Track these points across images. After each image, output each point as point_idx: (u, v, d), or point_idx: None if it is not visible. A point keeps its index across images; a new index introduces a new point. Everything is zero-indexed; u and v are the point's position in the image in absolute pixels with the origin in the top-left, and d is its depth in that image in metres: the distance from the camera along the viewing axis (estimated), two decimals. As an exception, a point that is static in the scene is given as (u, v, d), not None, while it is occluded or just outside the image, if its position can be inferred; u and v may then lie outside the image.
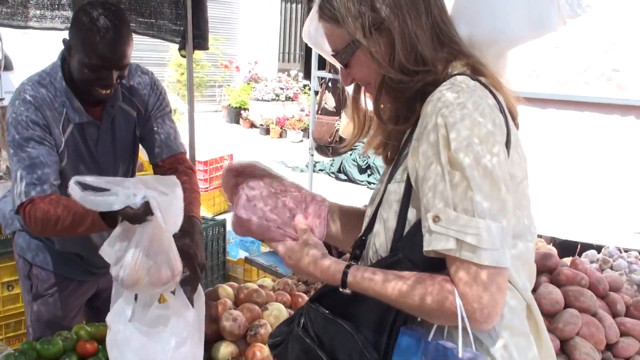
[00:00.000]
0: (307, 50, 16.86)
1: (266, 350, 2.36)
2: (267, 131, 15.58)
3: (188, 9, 3.98)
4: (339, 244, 1.85)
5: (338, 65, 1.59)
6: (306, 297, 2.77)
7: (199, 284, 2.18)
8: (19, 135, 2.34)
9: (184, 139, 4.96)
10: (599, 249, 3.96)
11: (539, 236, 4.43)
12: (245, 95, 16.86)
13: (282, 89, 16.42)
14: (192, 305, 2.07)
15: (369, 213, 1.61)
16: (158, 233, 1.93)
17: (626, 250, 3.83)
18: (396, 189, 1.48)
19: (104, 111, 2.53)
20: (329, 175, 11.19)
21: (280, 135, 15.27)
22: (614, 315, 2.85)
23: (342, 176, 10.91)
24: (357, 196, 8.91)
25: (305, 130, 14.34)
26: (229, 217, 2.22)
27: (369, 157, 10.28)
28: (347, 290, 1.44)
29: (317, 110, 6.06)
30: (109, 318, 2.00)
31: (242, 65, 17.90)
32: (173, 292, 2.03)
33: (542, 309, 2.65)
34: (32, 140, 2.34)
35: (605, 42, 4.46)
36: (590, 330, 2.62)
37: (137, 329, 1.97)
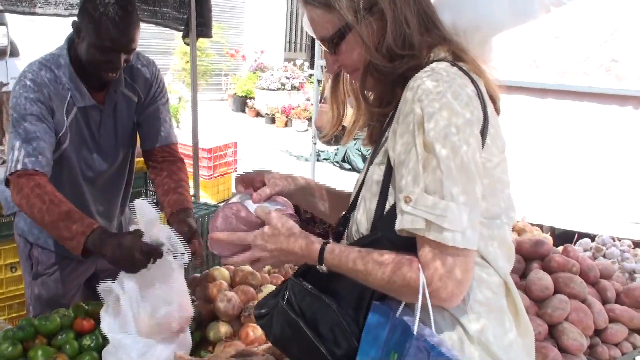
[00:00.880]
0: (313, 40, 16.83)
1: (259, 330, 2.40)
2: (272, 120, 15.64)
3: (191, -3, 4.00)
4: (327, 219, 1.90)
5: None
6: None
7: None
8: (17, 114, 2.38)
9: (188, 126, 5.01)
10: (594, 238, 4.00)
11: (540, 226, 4.48)
12: (251, 84, 16.92)
13: (287, 78, 16.46)
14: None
15: (353, 193, 1.66)
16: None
17: (620, 240, 3.86)
18: (377, 171, 1.53)
19: (107, 96, 2.58)
20: (333, 164, 11.23)
21: (286, 125, 15.33)
22: (604, 302, 2.89)
23: (347, 165, 10.95)
24: (360, 185, 8.92)
25: (310, 119, 14.36)
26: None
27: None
28: (324, 268, 1.49)
29: (320, 99, 6.09)
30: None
31: (248, 54, 17.94)
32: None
33: (531, 295, 2.70)
34: (31, 116, 2.37)
35: (605, 32, 4.49)
36: (579, 316, 2.67)
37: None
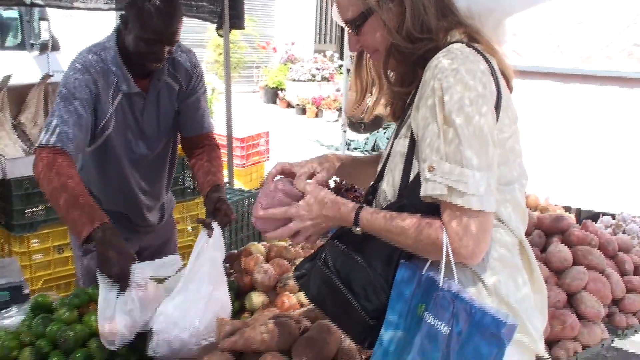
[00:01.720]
0: (343, 31, 16.95)
1: (294, 298, 2.58)
2: (303, 111, 15.83)
3: (225, -10, 4.17)
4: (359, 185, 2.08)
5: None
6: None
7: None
8: (67, 90, 2.53)
9: (221, 117, 5.17)
10: (615, 217, 4.10)
11: (567, 209, 4.59)
12: (281, 76, 17.12)
13: (318, 69, 16.63)
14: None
15: (380, 165, 1.82)
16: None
17: (642, 218, 3.96)
18: (402, 144, 1.69)
19: (151, 84, 2.75)
20: (363, 153, 11.34)
21: (316, 115, 15.51)
22: (622, 273, 3.03)
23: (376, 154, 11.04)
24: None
25: (340, 109, 14.49)
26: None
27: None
28: (358, 229, 1.66)
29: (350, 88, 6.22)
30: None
31: (278, 47, 18.13)
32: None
33: (551, 266, 2.85)
34: (78, 100, 2.53)
35: (627, 18, 4.57)
36: (597, 286, 2.81)
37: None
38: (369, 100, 1.90)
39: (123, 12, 2.65)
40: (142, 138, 2.82)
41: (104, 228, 2.28)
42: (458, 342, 1.48)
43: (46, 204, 4.06)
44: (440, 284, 1.53)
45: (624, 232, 3.65)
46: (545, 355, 1.74)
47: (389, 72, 1.75)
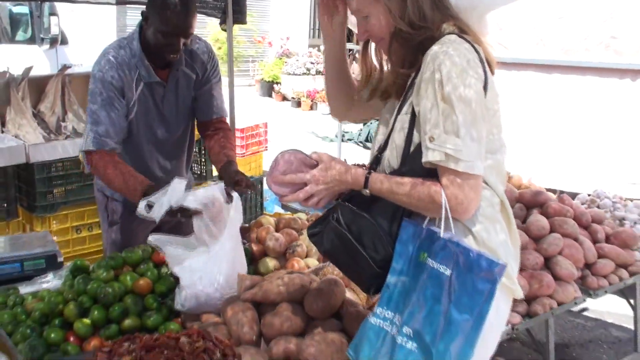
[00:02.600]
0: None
1: (302, 262, 2.90)
2: (298, 104, 16.03)
3: (228, -14, 4.42)
4: None
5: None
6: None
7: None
8: (98, 89, 2.90)
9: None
10: (592, 196, 4.39)
11: (553, 191, 4.88)
12: (277, 70, 17.33)
13: (312, 63, 16.78)
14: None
15: (380, 138, 2.12)
16: None
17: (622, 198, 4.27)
18: (404, 119, 1.98)
19: (170, 74, 3.05)
20: (357, 144, 11.64)
21: (311, 108, 15.71)
22: (595, 242, 3.37)
23: (370, 144, 11.17)
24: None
25: (335, 102, 14.66)
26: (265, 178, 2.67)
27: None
28: (367, 191, 1.95)
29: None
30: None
31: (274, 41, 18.31)
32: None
33: (530, 234, 3.18)
34: (106, 99, 2.89)
35: (604, 12, 4.86)
36: (571, 251, 3.14)
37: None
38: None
39: (144, 9, 2.94)
40: (162, 122, 3.12)
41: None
42: (458, 280, 1.79)
43: (65, 186, 4.36)
44: (441, 234, 1.84)
45: (598, 206, 3.97)
46: (521, 295, 2.04)
47: (392, 55, 2.04)
